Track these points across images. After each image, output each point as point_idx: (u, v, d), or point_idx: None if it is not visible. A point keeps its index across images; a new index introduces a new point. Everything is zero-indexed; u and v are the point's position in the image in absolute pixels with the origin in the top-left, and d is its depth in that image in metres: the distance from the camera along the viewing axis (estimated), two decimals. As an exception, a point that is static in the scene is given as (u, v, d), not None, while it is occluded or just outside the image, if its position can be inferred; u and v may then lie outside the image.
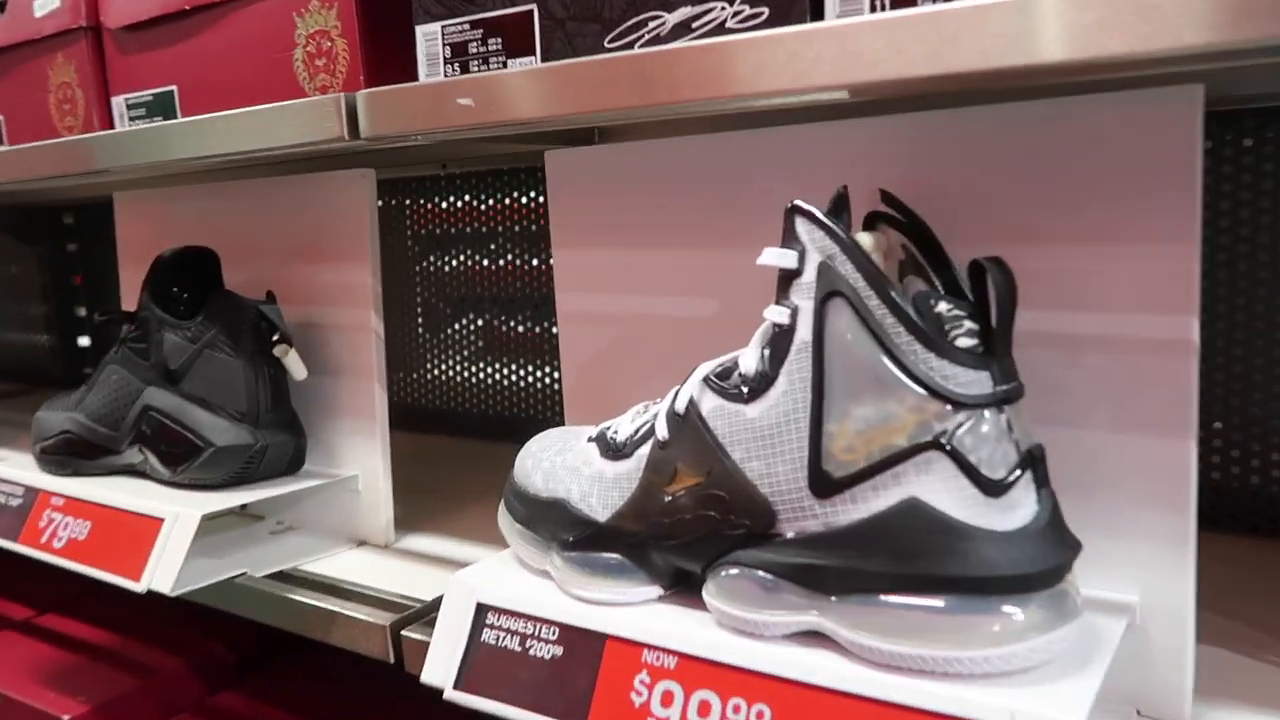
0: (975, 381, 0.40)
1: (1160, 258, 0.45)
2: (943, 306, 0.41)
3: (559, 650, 0.49)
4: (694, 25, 0.48)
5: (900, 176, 0.52)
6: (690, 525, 0.46)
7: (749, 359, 0.45)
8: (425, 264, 1.16)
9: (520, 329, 1.11)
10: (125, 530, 0.71)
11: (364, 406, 0.78)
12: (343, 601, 0.66)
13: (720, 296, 0.59)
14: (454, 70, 0.57)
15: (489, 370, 1.14)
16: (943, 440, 0.40)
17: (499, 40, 0.55)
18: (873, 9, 0.42)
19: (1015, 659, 0.39)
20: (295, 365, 0.77)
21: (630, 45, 0.50)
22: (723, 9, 0.47)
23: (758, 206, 0.57)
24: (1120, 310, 0.46)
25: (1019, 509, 0.40)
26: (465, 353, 1.15)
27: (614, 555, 0.49)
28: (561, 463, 0.53)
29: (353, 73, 0.64)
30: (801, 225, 0.43)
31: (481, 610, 0.52)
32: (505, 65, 0.55)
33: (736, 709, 0.43)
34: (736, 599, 0.45)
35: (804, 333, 0.43)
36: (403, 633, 0.61)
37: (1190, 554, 0.46)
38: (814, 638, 0.44)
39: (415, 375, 1.20)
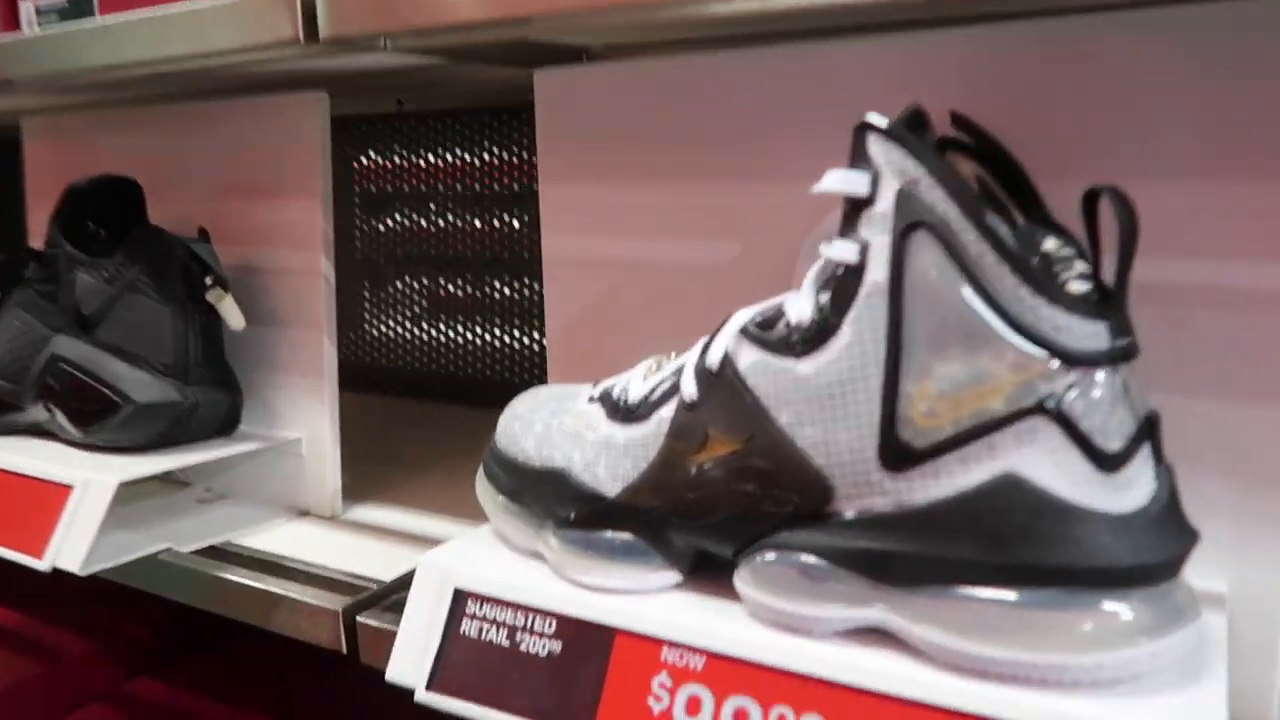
0: (1091, 335, 0.33)
1: (1259, 196, 0.39)
2: (1050, 244, 0.34)
3: (557, 646, 0.41)
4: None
5: (951, 101, 0.45)
6: (723, 501, 0.39)
7: (801, 306, 0.38)
8: (370, 215, 1.06)
9: (473, 289, 1.02)
10: (27, 499, 0.61)
11: (310, 362, 0.69)
12: (285, 582, 0.57)
13: (740, 238, 0.51)
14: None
15: (439, 329, 1.05)
16: (1049, 404, 0.33)
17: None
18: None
19: (1133, 665, 0.33)
20: (231, 313, 0.67)
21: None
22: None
23: (784, 136, 0.50)
24: (1236, 257, 0.40)
25: (1135, 487, 0.34)
26: (413, 310, 1.06)
27: (624, 535, 0.42)
28: (558, 426, 0.45)
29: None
30: (876, 145, 0.36)
31: (460, 597, 0.44)
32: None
33: (781, 718, 0.36)
34: (780, 589, 0.38)
35: (877, 273, 0.35)
36: (358, 619, 0.53)
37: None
38: (872, 636, 0.37)
39: (355, 333, 1.10)
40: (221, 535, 0.65)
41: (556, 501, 0.43)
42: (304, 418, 0.70)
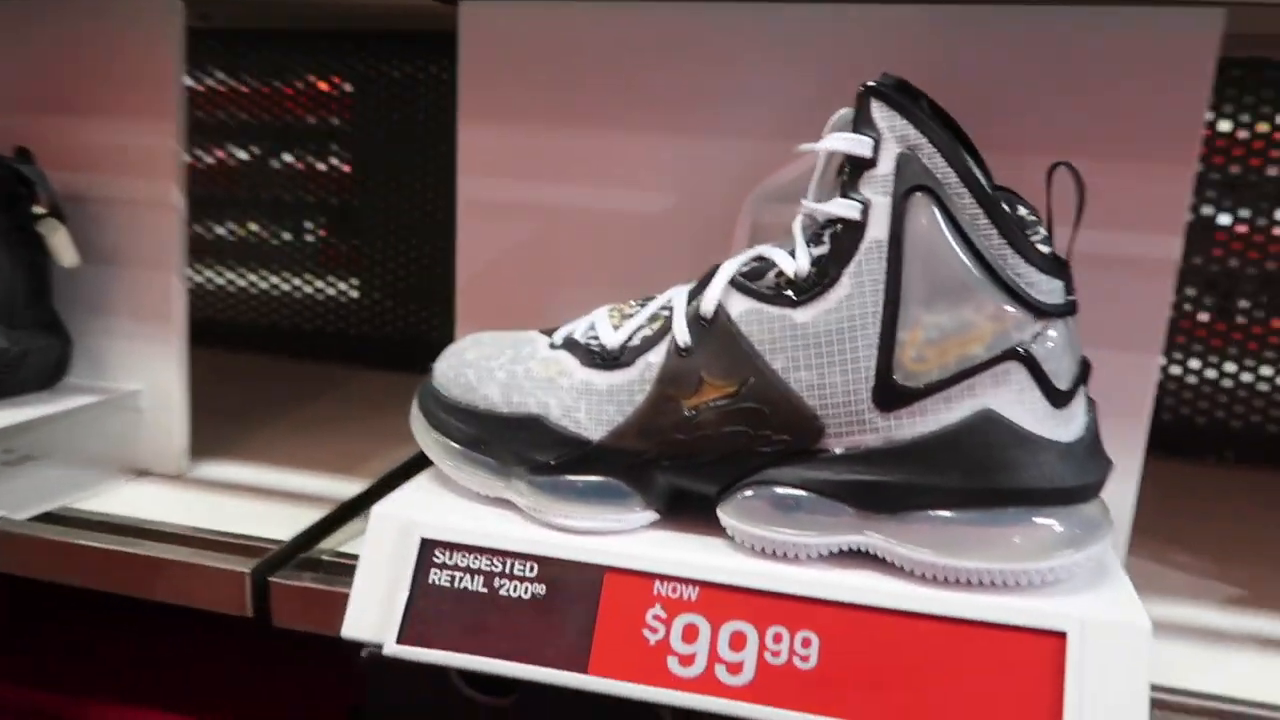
0: (1052, 290, 0.39)
1: (1156, 178, 0.47)
2: (1022, 209, 0.39)
3: (540, 589, 0.42)
4: None
5: (898, 71, 0.49)
6: (714, 442, 0.41)
7: (795, 258, 0.40)
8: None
9: (302, 235, 0.95)
10: None
11: (155, 306, 0.62)
12: (167, 546, 0.52)
13: (675, 190, 0.53)
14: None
15: (262, 278, 0.97)
16: (1021, 350, 0.38)
17: None
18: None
19: (1078, 568, 0.39)
20: (64, 248, 0.59)
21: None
22: None
23: (726, 92, 0.52)
24: (1109, 227, 0.47)
25: (1075, 420, 0.40)
26: (234, 258, 0.97)
27: (604, 478, 0.43)
28: (525, 373, 0.45)
29: None
30: (879, 110, 0.39)
31: (428, 547, 0.43)
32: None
33: (778, 638, 0.39)
34: (770, 520, 0.41)
35: (877, 230, 0.39)
36: (271, 580, 0.50)
37: (1135, 472, 0.49)
38: (853, 557, 0.41)
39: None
40: (55, 500, 0.58)
41: (533, 448, 0.43)
42: (144, 367, 0.63)
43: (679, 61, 0.52)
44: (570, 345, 0.45)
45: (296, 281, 0.96)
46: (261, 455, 0.69)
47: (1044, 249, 0.39)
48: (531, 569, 0.42)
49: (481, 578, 0.42)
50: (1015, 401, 0.39)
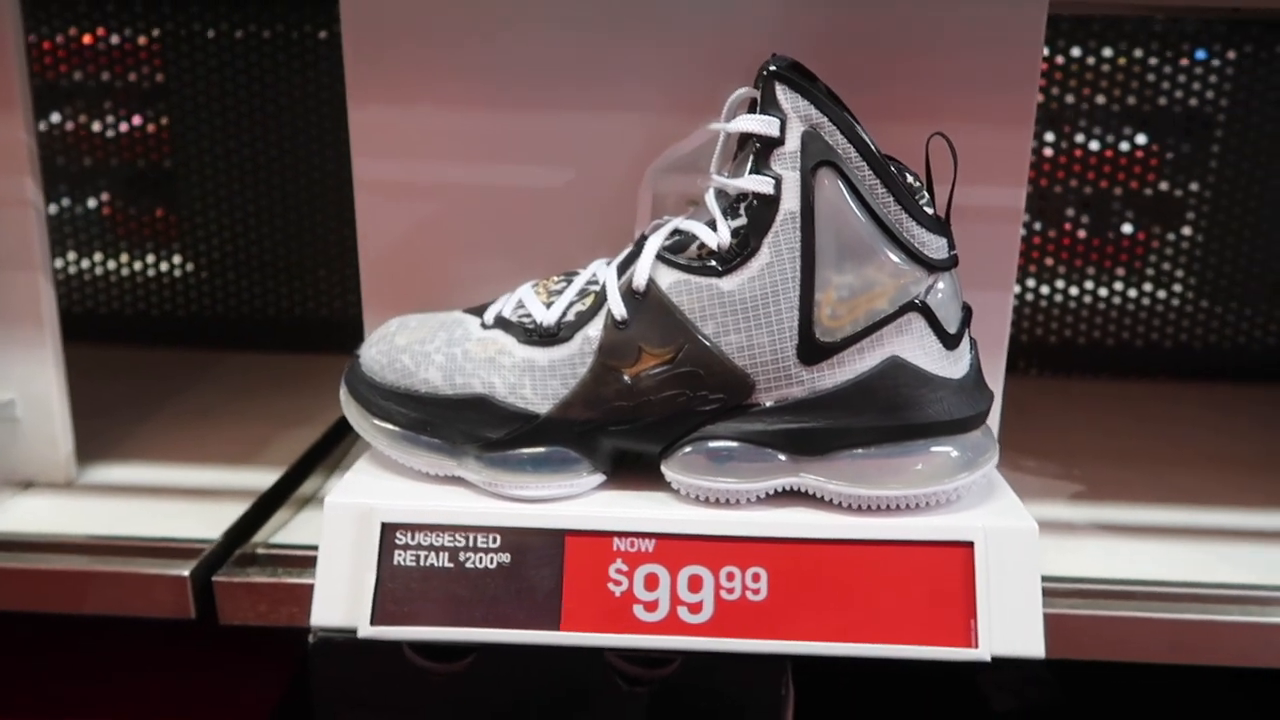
0: (939, 247, 0.44)
1: (1000, 136, 0.53)
2: (909, 177, 0.44)
3: (505, 557, 0.44)
4: None
5: (767, 47, 0.53)
6: (655, 406, 0.45)
7: (716, 231, 0.44)
8: None
9: (133, 209, 0.90)
10: None
11: (22, 308, 0.59)
12: (86, 558, 0.51)
13: (573, 165, 0.55)
14: None
15: (108, 261, 0.91)
16: (918, 301, 0.44)
17: None
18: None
19: (975, 486, 0.46)
20: (-85, 254, 0.55)
21: None
22: None
23: (617, 69, 0.54)
24: (963, 183, 0.53)
25: (963, 359, 0.46)
26: (79, 239, 0.91)
27: (553, 448, 0.45)
28: (463, 354, 0.46)
29: None
30: (783, 93, 0.43)
31: (389, 531, 0.45)
32: None
33: (730, 576, 0.44)
34: (711, 471, 0.45)
35: (790, 203, 0.43)
36: (214, 579, 0.50)
37: (999, 396, 0.56)
38: (787, 497, 0.46)
39: None
40: (-61, 523, 0.55)
41: (481, 425, 0.45)
42: (16, 374, 0.60)
43: (571, 37, 0.54)
44: (503, 324, 0.47)
45: (113, 261, 0.91)
46: (148, 453, 0.66)
47: (929, 211, 0.44)
48: (494, 540, 0.44)
49: (446, 554, 0.44)
50: (916, 347, 0.44)
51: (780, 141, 0.43)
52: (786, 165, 0.43)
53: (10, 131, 0.56)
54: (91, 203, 0.90)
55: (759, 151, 0.43)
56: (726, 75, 0.52)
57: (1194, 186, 0.85)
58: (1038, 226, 0.87)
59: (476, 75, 0.54)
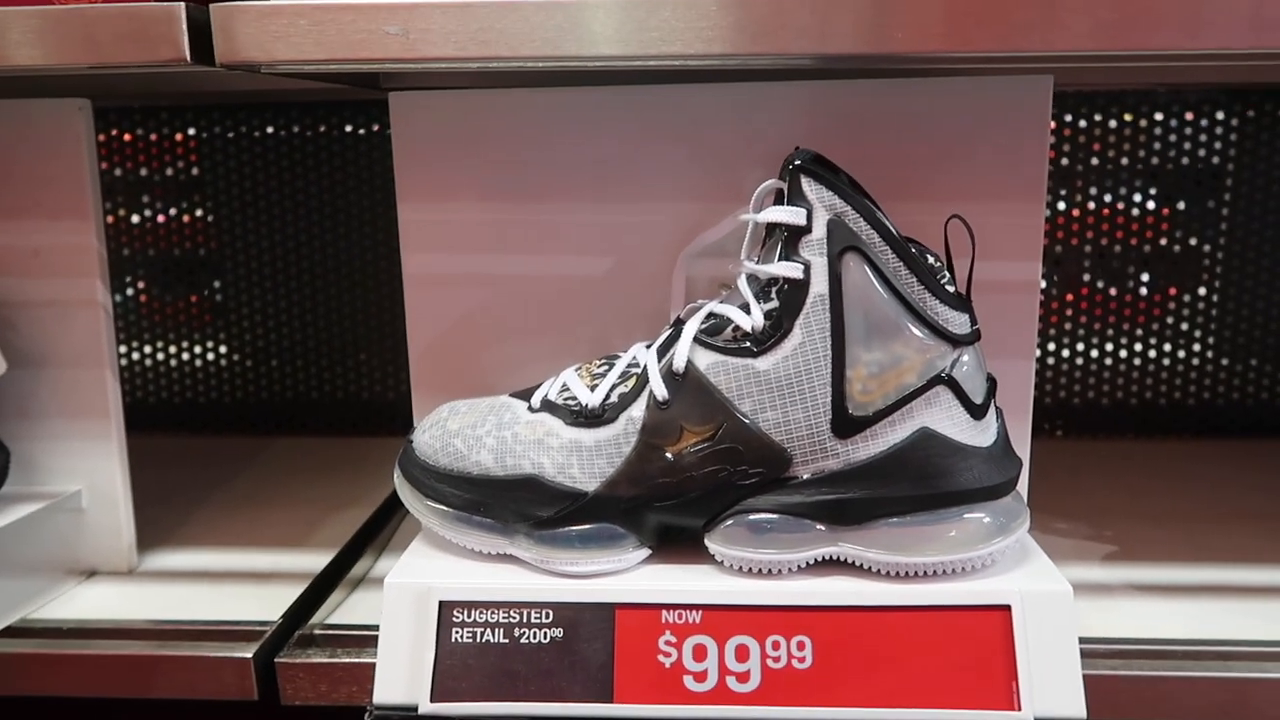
0: (962, 323, 0.47)
1: (1015, 214, 0.56)
2: (930, 258, 0.47)
3: (558, 632, 0.46)
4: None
5: (790, 138, 0.56)
6: (698, 482, 0.47)
7: (750, 314, 0.47)
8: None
9: (171, 297, 0.94)
10: None
11: (90, 403, 0.62)
12: (153, 643, 0.53)
13: (611, 254, 0.58)
14: (328, -10, 0.48)
15: (157, 352, 0.95)
16: (945, 375, 0.46)
17: (397, -38, 0.47)
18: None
19: (1009, 550, 0.47)
20: (-7, 356, 0.59)
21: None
22: (698, -37, 0.46)
23: (649, 163, 0.57)
24: (982, 259, 0.56)
25: (991, 427, 0.48)
26: (128, 331, 0.95)
27: (601, 524, 0.48)
28: (514, 437, 0.49)
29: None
30: (808, 185, 0.46)
31: (447, 609, 0.47)
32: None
33: (776, 645, 0.45)
34: (755, 543, 0.47)
35: (819, 286, 0.45)
36: (277, 660, 0.52)
37: (1026, 460, 0.58)
38: (827, 566, 0.48)
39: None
40: (10, 614, 0.57)
41: (532, 505, 0.48)
42: (83, 466, 0.63)
43: (603, 137, 0.57)
44: (550, 407, 0.50)
45: (152, 348, 0.95)
46: (205, 539, 0.69)
47: (950, 289, 0.47)
48: (548, 615, 0.46)
49: (501, 630, 0.46)
50: (945, 418, 0.46)
51: (808, 229, 0.46)
52: (814, 251, 0.46)
53: (83, 238, 0.60)
54: (130, 291, 0.94)
55: (787, 239, 0.46)
56: (751, 165, 0.56)
57: (1206, 246, 0.87)
58: (1055, 287, 0.89)
59: (517, 171, 0.58)
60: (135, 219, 0.93)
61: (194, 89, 0.81)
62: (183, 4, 0.44)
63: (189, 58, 0.45)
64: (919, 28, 0.43)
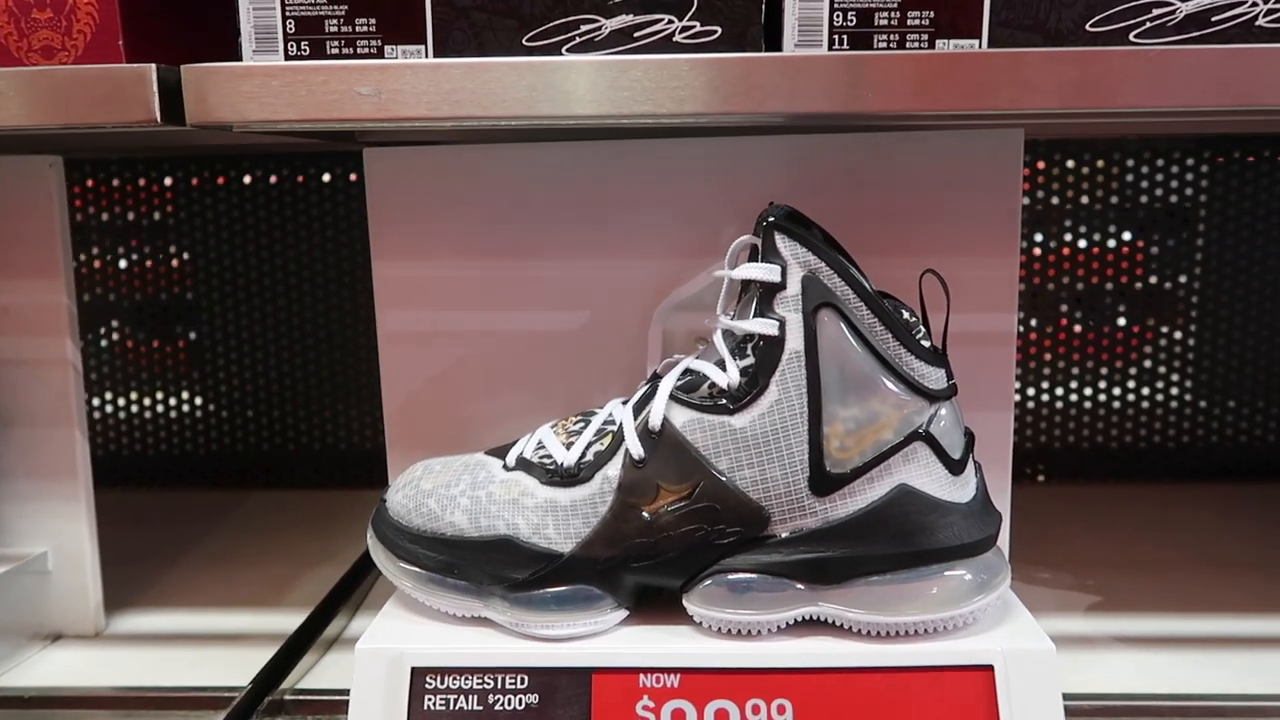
0: (938, 378, 0.46)
1: (989, 266, 0.56)
2: (905, 313, 0.47)
3: (534, 698, 0.45)
4: (636, 35, 0.47)
5: (765, 192, 0.56)
6: (676, 541, 0.46)
7: (725, 371, 0.46)
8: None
9: (145, 345, 0.93)
10: None
11: (57, 462, 0.61)
12: (125, 713, 0.52)
13: (587, 308, 0.58)
14: (301, 51, 0.48)
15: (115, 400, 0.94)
16: (922, 430, 0.46)
17: (371, 21, 0.48)
18: (831, 46, 0.46)
19: (990, 608, 0.47)
20: (-41, 417, 0.57)
21: (557, 48, 0.47)
22: (670, 23, 0.47)
23: (624, 217, 0.57)
24: (957, 310, 0.56)
25: (969, 483, 0.48)
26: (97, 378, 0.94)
27: (579, 585, 0.47)
28: (487, 497, 0.48)
29: (103, 37, 0.50)
30: (782, 241, 0.46)
31: (419, 675, 0.45)
32: (381, 53, 0.48)
33: (756, 709, 0.44)
34: (734, 604, 0.46)
35: (794, 343, 0.45)
36: (245, 730, 0.50)
37: (1006, 512, 0.58)
38: (807, 626, 0.47)
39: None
40: (-28, 681, 0.56)
41: (506, 566, 0.47)
42: (50, 527, 0.62)
43: (579, 192, 0.57)
44: (525, 465, 0.49)
45: (125, 399, 0.94)
46: (175, 600, 0.68)
47: (925, 344, 0.47)
48: (522, 681, 0.45)
49: (475, 697, 0.45)
50: (924, 474, 0.46)
51: (782, 286, 0.46)
52: (789, 308, 0.46)
53: (53, 296, 0.60)
54: (104, 342, 0.93)
55: (762, 295, 0.46)
56: (727, 219, 0.56)
57: (1182, 280, 0.88)
58: (1034, 330, 0.90)
59: (492, 226, 0.58)
60: (110, 266, 0.92)
61: (167, 144, 0.81)
62: (153, 66, 0.44)
63: (159, 119, 0.45)
64: (888, 88, 0.43)
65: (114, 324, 0.93)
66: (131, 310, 0.93)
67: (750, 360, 0.46)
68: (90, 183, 0.91)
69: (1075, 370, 0.90)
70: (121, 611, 0.65)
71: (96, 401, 0.94)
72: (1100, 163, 0.87)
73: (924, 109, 0.44)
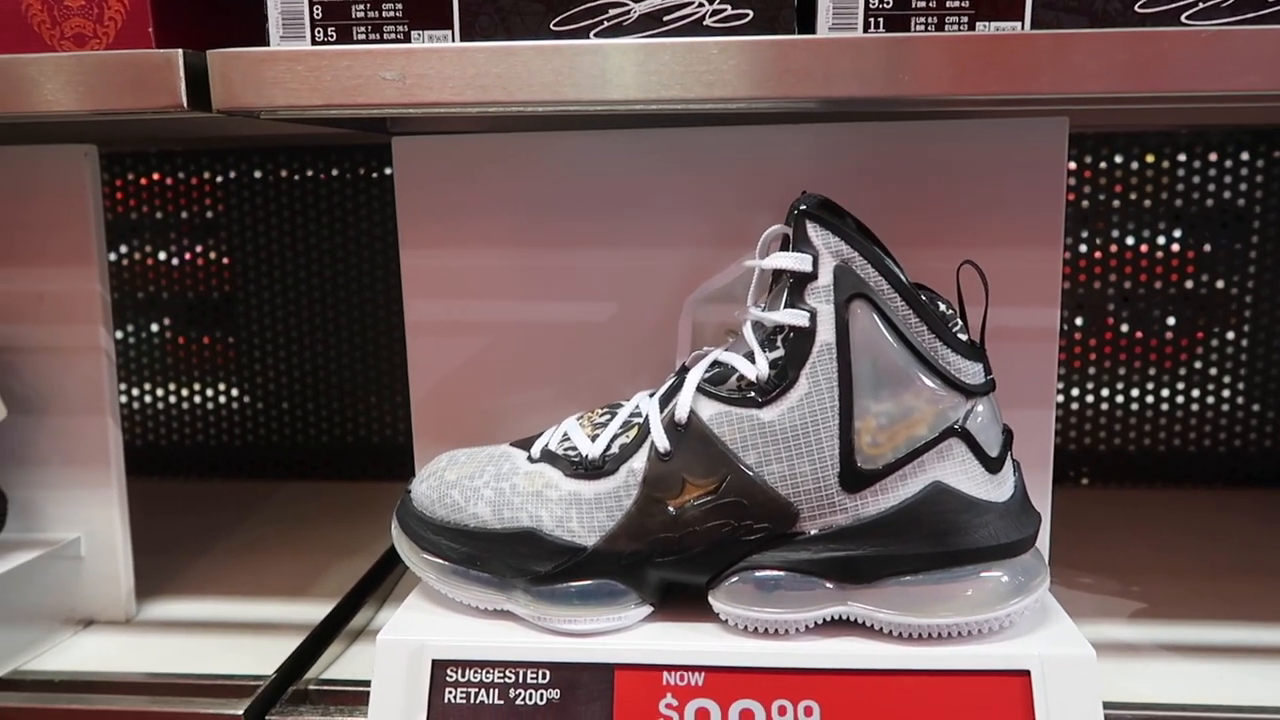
0: (975, 373, 0.45)
1: (1032, 259, 0.54)
2: (941, 305, 0.45)
3: (555, 694, 0.44)
4: (665, 19, 0.46)
5: (798, 182, 0.55)
6: (701, 536, 0.45)
7: (754, 363, 0.45)
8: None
9: (183, 338, 0.94)
10: None
11: (90, 450, 0.61)
12: (152, 698, 0.52)
13: (615, 298, 0.57)
14: (328, 36, 0.47)
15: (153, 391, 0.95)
16: (958, 427, 0.44)
17: (397, 7, 0.47)
18: (866, 29, 0.44)
19: (1028, 611, 0.45)
20: (-7, 402, 0.58)
21: (584, 32, 0.46)
22: (700, 6, 0.46)
23: (653, 207, 0.57)
24: (997, 305, 0.54)
25: (1007, 481, 0.46)
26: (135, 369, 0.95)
27: (603, 580, 0.46)
28: (511, 489, 0.48)
29: (133, 25, 0.50)
30: (814, 230, 0.44)
31: (440, 668, 0.45)
32: (408, 38, 0.47)
33: (783, 710, 0.43)
34: (760, 602, 0.45)
35: (826, 335, 0.44)
36: (269, 717, 0.50)
37: (1046, 515, 0.56)
38: (836, 626, 0.46)
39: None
40: (4, 665, 0.56)
41: (529, 560, 0.46)
42: (82, 514, 0.62)
43: (608, 181, 0.56)
44: (549, 458, 0.48)
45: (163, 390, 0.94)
46: (205, 588, 0.68)
47: (962, 337, 0.45)
48: (544, 675, 0.45)
49: (496, 690, 0.45)
50: (959, 472, 0.44)
51: (813, 276, 0.44)
52: (820, 299, 0.44)
53: (87, 284, 0.60)
54: (143, 334, 0.94)
55: (793, 286, 0.45)
56: (759, 209, 0.55)
57: (1234, 289, 0.85)
58: (1080, 331, 0.87)
59: (520, 217, 0.57)
60: (148, 260, 0.93)
61: (202, 134, 0.81)
62: (180, 51, 0.44)
63: (186, 104, 0.45)
64: (925, 70, 0.42)
65: (152, 317, 0.94)
66: (169, 304, 0.94)
67: (780, 352, 0.45)
68: (130, 175, 0.92)
69: (1122, 372, 0.87)
70: (152, 599, 0.65)
71: (135, 393, 0.95)
72: (1150, 158, 0.84)
73: (964, 93, 0.42)
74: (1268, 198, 0.84)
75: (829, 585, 0.45)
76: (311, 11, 0.47)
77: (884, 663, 0.44)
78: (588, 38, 0.46)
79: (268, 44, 0.47)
